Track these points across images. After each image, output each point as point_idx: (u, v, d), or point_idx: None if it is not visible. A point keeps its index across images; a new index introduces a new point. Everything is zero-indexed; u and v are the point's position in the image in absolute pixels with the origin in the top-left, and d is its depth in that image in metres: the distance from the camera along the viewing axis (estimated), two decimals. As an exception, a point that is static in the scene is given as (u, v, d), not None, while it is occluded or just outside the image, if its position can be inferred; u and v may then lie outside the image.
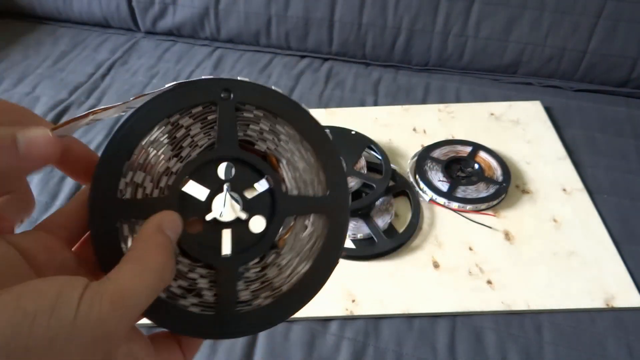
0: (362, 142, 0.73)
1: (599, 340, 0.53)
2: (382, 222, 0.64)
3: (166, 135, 0.24)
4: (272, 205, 0.24)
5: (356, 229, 0.63)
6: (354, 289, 0.58)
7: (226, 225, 0.24)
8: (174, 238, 0.22)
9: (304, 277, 0.24)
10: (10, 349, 0.16)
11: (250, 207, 0.24)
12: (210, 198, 0.24)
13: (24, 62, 0.97)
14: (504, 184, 0.67)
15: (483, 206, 0.66)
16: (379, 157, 0.71)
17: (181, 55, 0.98)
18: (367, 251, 0.61)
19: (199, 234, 0.24)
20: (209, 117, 0.25)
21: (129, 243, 0.23)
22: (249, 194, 0.25)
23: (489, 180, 0.68)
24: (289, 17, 0.93)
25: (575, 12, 0.83)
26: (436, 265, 0.60)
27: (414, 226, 0.64)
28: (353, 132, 0.74)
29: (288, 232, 0.25)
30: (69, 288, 0.18)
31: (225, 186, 0.24)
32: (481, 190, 0.67)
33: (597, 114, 0.82)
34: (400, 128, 0.79)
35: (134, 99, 0.24)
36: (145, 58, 0.97)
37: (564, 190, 0.69)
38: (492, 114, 0.81)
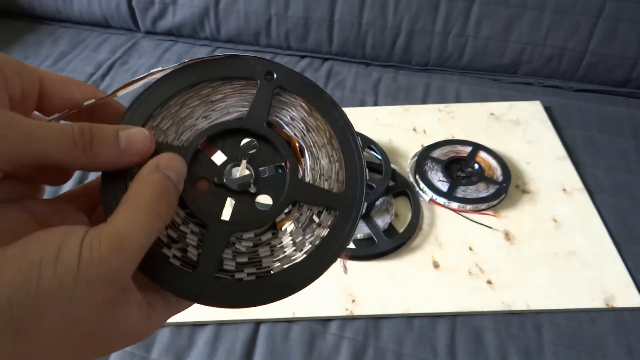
0: (362, 142, 0.73)
1: (599, 340, 0.53)
2: (382, 222, 0.64)
3: (203, 96, 0.25)
4: (283, 188, 0.24)
5: (356, 229, 0.63)
6: (354, 289, 0.58)
7: (233, 194, 0.24)
8: (174, 178, 0.22)
9: (295, 267, 0.24)
10: (22, 296, 0.17)
11: (262, 184, 0.25)
12: (225, 165, 0.25)
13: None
14: (504, 184, 0.67)
15: (483, 206, 0.66)
16: (379, 157, 0.71)
17: (181, 55, 0.98)
18: (367, 251, 0.61)
19: (203, 195, 0.24)
20: (248, 92, 0.26)
21: None
22: (263, 172, 0.25)
23: (489, 180, 0.68)
24: (289, 17, 0.93)
25: (575, 12, 0.83)
26: (436, 265, 0.60)
27: (414, 226, 0.64)
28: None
29: (291, 217, 0.25)
30: (70, 234, 0.19)
31: (243, 157, 0.25)
32: (481, 190, 0.67)
33: (597, 114, 0.82)
34: (400, 128, 0.79)
35: (188, 61, 0.25)
36: (145, 58, 0.97)
37: (564, 190, 0.69)
38: (492, 114, 0.81)
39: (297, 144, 0.25)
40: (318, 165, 0.25)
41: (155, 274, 0.22)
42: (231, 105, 0.25)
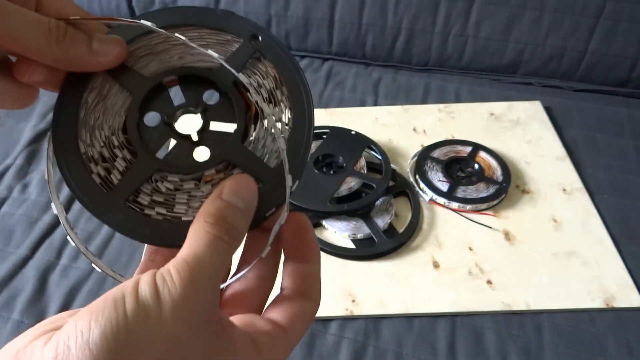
0: (362, 142, 0.73)
1: (599, 340, 0.53)
2: (382, 222, 0.64)
3: (187, 38, 0.25)
4: (224, 146, 0.25)
5: (356, 229, 0.63)
6: (354, 289, 0.58)
7: (176, 136, 0.25)
8: (242, 205, 0.22)
9: None
10: (114, 328, 0.17)
11: (206, 137, 0.25)
12: (181, 107, 0.25)
13: None
14: (504, 184, 0.67)
15: (483, 206, 0.66)
16: (379, 157, 0.71)
17: (181, 55, 0.98)
18: (367, 251, 0.61)
19: (149, 128, 0.25)
20: (229, 49, 0.26)
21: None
22: (214, 126, 0.25)
23: (489, 180, 0.68)
24: (289, 17, 0.93)
25: (575, 12, 0.83)
26: (436, 265, 0.60)
27: (414, 226, 0.64)
28: (353, 132, 0.74)
29: (218, 174, 0.25)
30: (144, 275, 0.19)
31: (199, 105, 0.25)
32: (481, 190, 0.67)
33: (597, 114, 0.82)
34: (400, 128, 0.79)
35: (186, 7, 0.26)
36: (145, 58, 0.97)
37: (564, 190, 0.69)
38: (492, 114, 0.81)
39: (254, 111, 0.26)
40: (267, 138, 0.25)
41: (74, 179, 0.23)
42: (208, 53, 0.25)
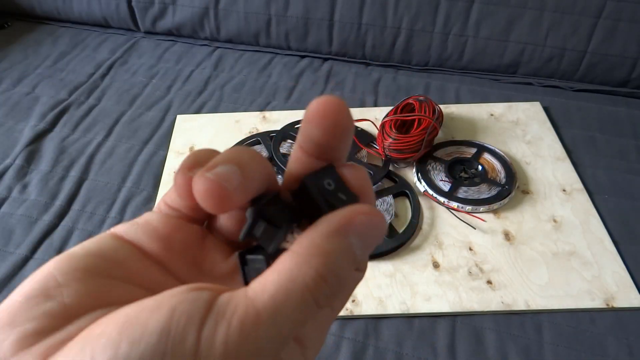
0: (365, 137, 0.75)
1: (599, 340, 0.53)
2: (382, 222, 0.64)
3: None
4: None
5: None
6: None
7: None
8: (359, 250, 0.16)
9: None
10: None
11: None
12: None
13: (24, 62, 0.96)
14: (506, 187, 0.67)
15: (482, 208, 0.66)
16: (379, 153, 0.71)
17: (181, 55, 0.98)
18: (367, 251, 0.61)
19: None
20: None
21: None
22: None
23: (492, 182, 0.68)
24: (289, 17, 0.93)
25: (575, 12, 0.83)
26: (436, 265, 0.60)
27: (414, 226, 0.64)
28: (359, 129, 0.77)
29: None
30: (191, 303, 0.14)
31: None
32: (483, 192, 0.67)
33: (597, 114, 0.81)
34: (400, 128, 0.79)
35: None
36: (145, 58, 0.97)
37: (564, 190, 0.69)
38: (491, 115, 0.81)
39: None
40: None
41: None
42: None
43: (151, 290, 0.17)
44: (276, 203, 0.19)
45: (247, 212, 0.18)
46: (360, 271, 0.18)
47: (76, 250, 0.17)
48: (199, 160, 0.18)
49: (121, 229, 0.19)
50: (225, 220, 0.20)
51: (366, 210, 0.16)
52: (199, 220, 0.20)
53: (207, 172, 0.16)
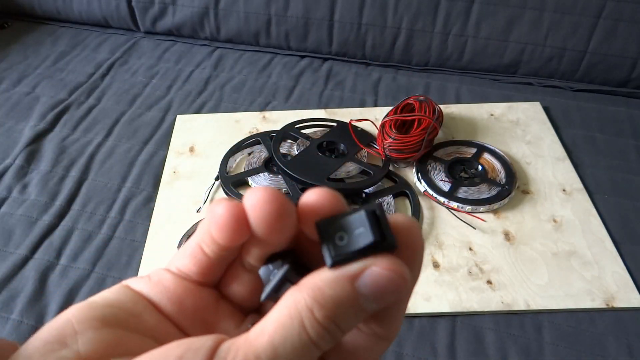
0: (365, 137, 0.75)
1: (599, 340, 0.53)
2: (382, 222, 0.64)
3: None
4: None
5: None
6: (354, 289, 0.58)
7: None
8: (370, 304, 0.15)
9: None
10: None
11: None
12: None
13: (24, 62, 0.96)
14: (506, 187, 0.67)
15: (482, 208, 0.66)
16: (379, 153, 0.71)
17: (181, 55, 0.98)
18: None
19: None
20: None
21: None
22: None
23: (492, 182, 0.68)
24: (288, 17, 0.93)
25: (575, 12, 0.83)
26: (436, 265, 0.60)
27: (414, 226, 0.64)
28: (359, 129, 0.77)
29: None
30: (196, 351, 0.15)
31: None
32: (483, 192, 0.67)
33: (597, 114, 0.81)
34: (400, 128, 0.79)
35: None
36: (145, 58, 0.97)
37: (564, 190, 0.69)
38: (491, 115, 0.81)
39: None
40: None
41: None
42: None
43: (163, 343, 0.17)
44: (295, 261, 0.18)
45: (260, 270, 0.18)
46: (384, 339, 0.17)
47: (96, 299, 0.18)
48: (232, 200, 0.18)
49: (136, 284, 0.19)
50: (235, 285, 0.20)
51: (385, 263, 0.15)
52: (209, 285, 0.20)
53: (259, 187, 0.17)
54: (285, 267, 0.18)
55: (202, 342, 0.15)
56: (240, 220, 0.16)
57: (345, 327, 0.15)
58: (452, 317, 0.56)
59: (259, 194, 0.16)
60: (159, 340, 0.18)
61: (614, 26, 0.82)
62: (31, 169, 0.74)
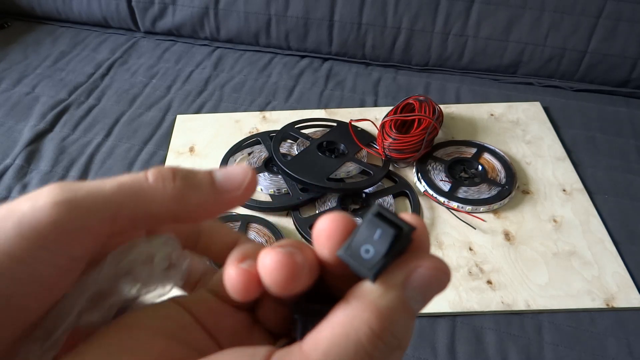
0: (365, 137, 0.75)
1: (599, 340, 0.53)
2: (382, 222, 0.64)
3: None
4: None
5: (356, 229, 0.63)
6: (354, 289, 0.58)
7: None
8: (414, 307, 0.16)
9: None
10: None
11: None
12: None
13: (24, 62, 0.96)
14: (506, 187, 0.67)
15: (482, 208, 0.66)
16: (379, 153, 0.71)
17: (181, 55, 0.98)
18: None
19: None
20: None
21: None
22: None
23: (492, 182, 0.68)
24: (288, 17, 0.93)
25: (575, 12, 0.83)
26: (436, 266, 0.60)
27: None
28: (359, 129, 0.77)
29: None
30: None
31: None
32: (483, 192, 0.67)
33: (597, 114, 0.81)
34: (400, 128, 0.79)
35: None
36: (145, 58, 0.97)
37: (564, 190, 0.69)
38: (491, 115, 0.81)
39: None
40: None
41: None
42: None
43: (205, 354, 0.17)
44: (321, 296, 0.18)
45: (294, 307, 0.18)
46: (398, 348, 0.17)
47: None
48: (248, 254, 0.18)
49: (182, 298, 0.20)
50: (267, 312, 0.20)
51: (428, 263, 0.16)
52: (245, 309, 0.20)
53: (272, 250, 0.16)
54: (307, 309, 0.18)
55: (256, 350, 0.15)
56: (253, 284, 0.17)
57: (399, 334, 0.15)
58: (452, 317, 0.56)
59: (273, 257, 0.16)
60: (203, 353, 0.17)
61: (614, 26, 0.82)
62: (31, 169, 0.74)
